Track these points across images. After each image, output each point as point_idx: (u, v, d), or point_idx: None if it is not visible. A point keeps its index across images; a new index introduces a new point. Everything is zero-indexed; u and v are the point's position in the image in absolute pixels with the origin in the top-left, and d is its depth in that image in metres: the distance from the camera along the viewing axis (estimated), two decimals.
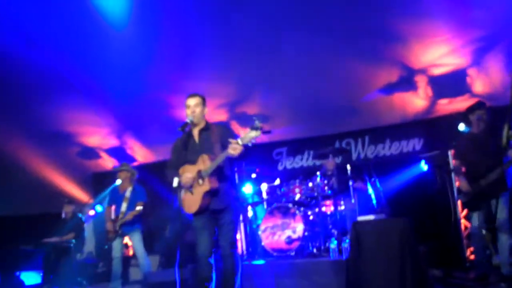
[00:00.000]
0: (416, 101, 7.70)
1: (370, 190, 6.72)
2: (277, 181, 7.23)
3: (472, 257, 6.91)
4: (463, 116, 5.95)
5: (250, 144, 4.06)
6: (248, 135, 4.04)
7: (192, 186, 4.43)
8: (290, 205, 6.73)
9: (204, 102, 4.67)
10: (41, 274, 7.92)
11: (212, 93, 4.62)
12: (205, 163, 4.38)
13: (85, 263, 8.62)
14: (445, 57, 6.97)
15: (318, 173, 6.88)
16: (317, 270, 5.55)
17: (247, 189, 7.48)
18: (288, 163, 8.76)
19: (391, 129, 8.12)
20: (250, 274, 5.75)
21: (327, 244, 6.41)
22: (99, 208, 9.82)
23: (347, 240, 5.84)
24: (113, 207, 7.18)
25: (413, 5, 6.43)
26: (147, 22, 6.93)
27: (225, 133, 4.59)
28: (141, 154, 9.96)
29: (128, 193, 7.03)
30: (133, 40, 7.10)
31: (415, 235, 4.96)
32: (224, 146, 4.32)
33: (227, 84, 7.89)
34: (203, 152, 4.47)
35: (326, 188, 6.71)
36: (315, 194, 6.74)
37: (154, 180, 8.85)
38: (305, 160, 8.65)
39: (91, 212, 9.86)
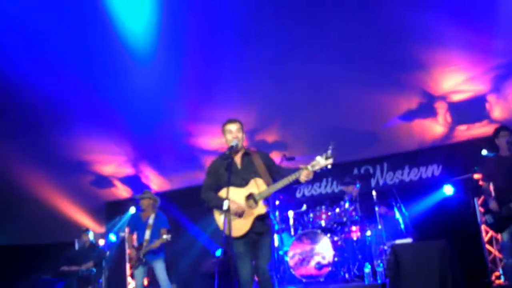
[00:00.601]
0: (435, 127, 7.80)
1: (398, 215, 6.75)
2: (304, 207, 7.23)
3: (497, 281, 6.93)
4: (489, 142, 6.03)
5: (318, 171, 4.09)
6: (320, 163, 4.06)
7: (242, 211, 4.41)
8: (318, 231, 6.73)
9: (243, 128, 4.69)
10: None
11: None
12: (259, 187, 4.36)
13: None
14: (465, 83, 7.11)
15: (346, 198, 6.92)
16: None
17: None
18: (306, 190, 8.77)
19: (409, 156, 8.16)
20: None
21: (355, 269, 6.40)
22: (112, 237, 9.70)
23: (381, 264, 5.85)
24: (135, 236, 7.12)
25: (434, 34, 6.60)
26: (169, 53, 7.03)
27: (267, 159, 4.65)
28: (156, 182, 9.91)
29: (151, 220, 6.98)
30: (154, 70, 7.20)
31: (455, 257, 4.99)
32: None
33: (247, 112, 7.94)
34: (248, 176, 4.46)
35: (353, 213, 6.74)
36: (344, 219, 6.75)
37: (170, 209, 8.79)
38: (323, 187, 8.66)
39: (101, 242, 9.72)
